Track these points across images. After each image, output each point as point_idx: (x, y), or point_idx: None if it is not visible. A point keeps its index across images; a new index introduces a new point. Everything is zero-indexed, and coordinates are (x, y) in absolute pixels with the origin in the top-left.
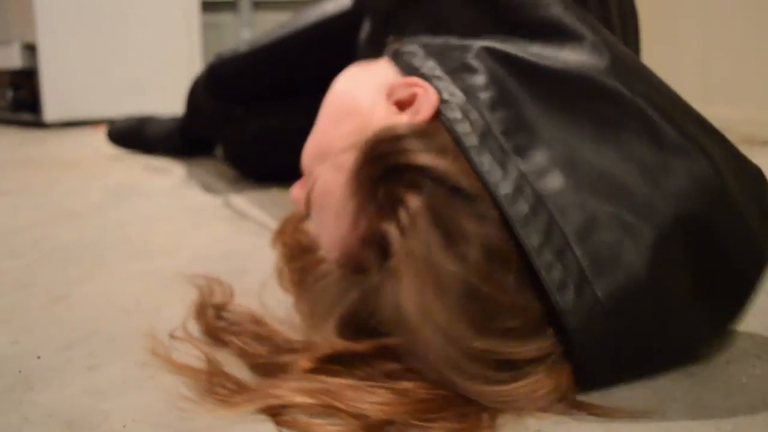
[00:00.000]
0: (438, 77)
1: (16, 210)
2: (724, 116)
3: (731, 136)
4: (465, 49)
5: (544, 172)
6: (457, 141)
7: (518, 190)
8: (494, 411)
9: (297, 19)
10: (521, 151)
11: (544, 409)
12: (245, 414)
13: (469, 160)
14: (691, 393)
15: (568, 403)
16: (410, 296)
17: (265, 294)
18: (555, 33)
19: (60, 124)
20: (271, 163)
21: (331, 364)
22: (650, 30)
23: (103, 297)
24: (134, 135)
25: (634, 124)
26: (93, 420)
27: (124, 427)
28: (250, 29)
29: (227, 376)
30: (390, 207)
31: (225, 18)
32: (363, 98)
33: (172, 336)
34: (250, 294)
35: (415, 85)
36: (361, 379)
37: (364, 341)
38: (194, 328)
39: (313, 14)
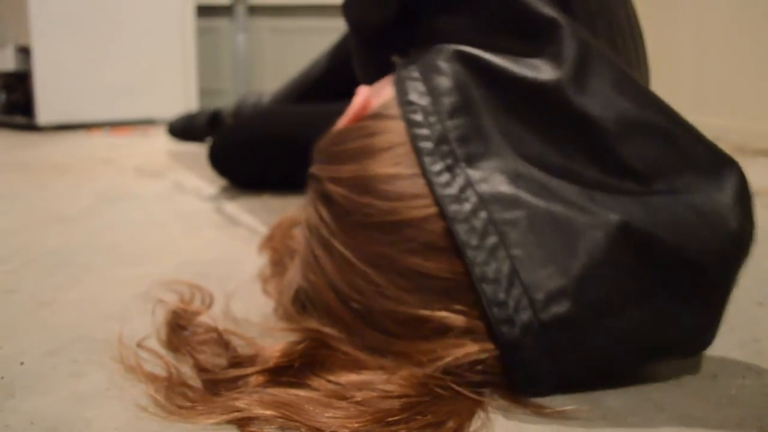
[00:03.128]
0: (413, 78)
1: (6, 214)
2: (716, 126)
3: (723, 145)
4: (440, 50)
5: (488, 178)
6: (412, 143)
7: (462, 192)
8: (460, 416)
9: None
10: (472, 159)
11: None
12: (211, 425)
13: (420, 163)
14: (680, 404)
15: (519, 403)
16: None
17: (243, 301)
18: (542, 33)
19: (53, 128)
20: (255, 172)
21: (279, 375)
22: None
23: (89, 303)
24: (187, 129)
25: (581, 142)
26: (75, 428)
27: None
28: (245, 35)
29: (189, 387)
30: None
31: (220, 23)
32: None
33: (139, 345)
34: (233, 300)
35: (356, 92)
36: (315, 389)
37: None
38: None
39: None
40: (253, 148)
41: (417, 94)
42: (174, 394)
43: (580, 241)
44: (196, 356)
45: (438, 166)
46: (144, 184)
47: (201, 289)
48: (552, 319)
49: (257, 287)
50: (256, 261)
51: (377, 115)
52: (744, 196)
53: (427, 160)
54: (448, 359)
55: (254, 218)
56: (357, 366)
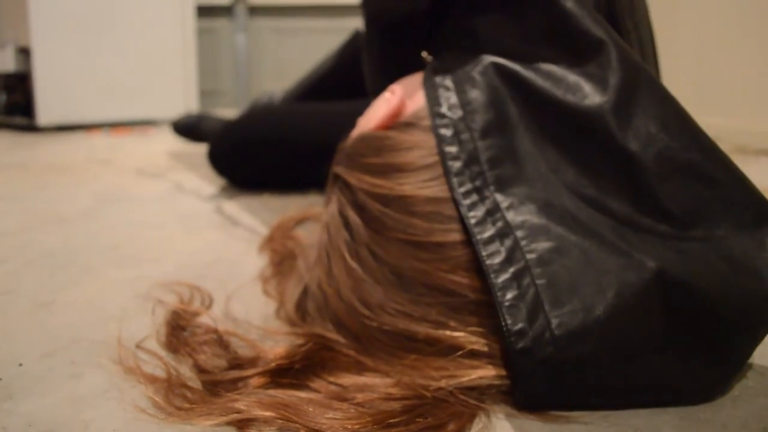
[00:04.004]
0: (446, 87)
1: (5, 214)
2: (717, 126)
3: (724, 146)
4: (476, 61)
5: (517, 206)
6: (441, 161)
7: (489, 215)
8: (461, 419)
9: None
10: (502, 183)
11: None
12: (210, 426)
13: (448, 182)
14: (682, 407)
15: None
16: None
17: (243, 302)
18: (588, 52)
19: (53, 128)
20: (254, 171)
21: (280, 377)
22: None
23: (87, 304)
24: (193, 128)
25: (617, 177)
26: (73, 429)
27: None
28: (245, 35)
29: (189, 388)
30: (327, 204)
31: (220, 23)
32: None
33: (138, 346)
34: (233, 301)
35: (390, 91)
36: (316, 391)
37: (303, 340)
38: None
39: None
40: (252, 147)
41: (448, 106)
42: (173, 395)
43: (610, 281)
44: (195, 357)
45: (466, 188)
46: (143, 185)
47: (200, 290)
48: (571, 357)
49: (257, 288)
50: (256, 262)
51: (411, 125)
52: None
53: (455, 180)
54: (463, 379)
55: (254, 218)
56: (359, 368)
